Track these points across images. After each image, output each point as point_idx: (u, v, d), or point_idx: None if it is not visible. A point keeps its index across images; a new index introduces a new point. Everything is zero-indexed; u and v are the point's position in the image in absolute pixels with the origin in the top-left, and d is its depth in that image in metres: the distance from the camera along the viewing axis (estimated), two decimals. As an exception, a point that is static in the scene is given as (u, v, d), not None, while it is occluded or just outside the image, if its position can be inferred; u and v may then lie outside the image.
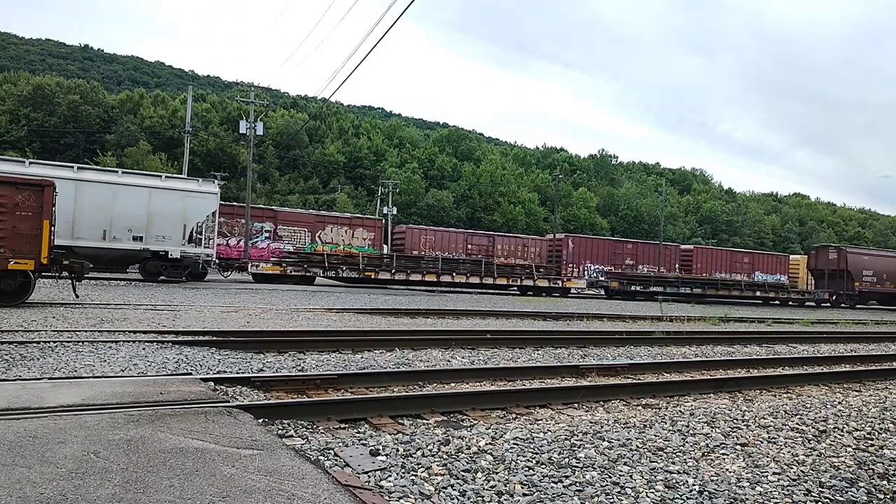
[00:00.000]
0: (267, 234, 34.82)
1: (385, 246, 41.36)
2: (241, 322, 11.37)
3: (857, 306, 38.91)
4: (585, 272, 41.29)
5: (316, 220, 37.14)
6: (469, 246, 40.46)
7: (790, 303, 38.32)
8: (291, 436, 4.33)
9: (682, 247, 50.57)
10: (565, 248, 43.37)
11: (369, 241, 37.38)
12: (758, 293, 37.23)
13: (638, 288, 33.48)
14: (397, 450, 3.93)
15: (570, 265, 41.75)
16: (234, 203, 38.78)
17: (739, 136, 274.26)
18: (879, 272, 38.84)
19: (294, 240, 35.10)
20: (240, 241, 33.26)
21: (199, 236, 23.52)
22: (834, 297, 38.53)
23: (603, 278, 36.20)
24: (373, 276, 28.08)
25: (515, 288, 31.81)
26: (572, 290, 33.59)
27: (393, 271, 28.59)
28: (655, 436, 4.57)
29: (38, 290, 13.39)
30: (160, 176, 25.12)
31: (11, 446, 3.40)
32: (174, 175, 29.26)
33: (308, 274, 27.03)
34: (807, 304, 38.62)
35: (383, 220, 41.66)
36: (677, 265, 46.33)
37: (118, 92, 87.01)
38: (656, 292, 33.15)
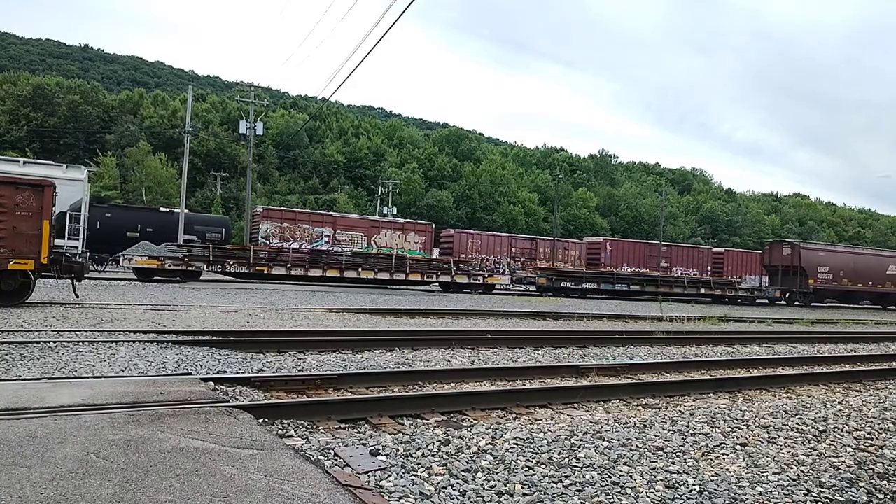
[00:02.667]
0: (327, 239, 35.83)
1: (435, 250, 42.01)
2: (241, 322, 11.37)
3: (813, 304, 37.32)
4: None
5: (371, 225, 38.32)
6: (513, 249, 41.66)
7: (738, 301, 36.17)
8: (291, 436, 4.32)
9: (714, 249, 50.95)
10: (603, 252, 44.40)
11: (420, 244, 38.48)
12: (702, 290, 35.49)
13: (569, 284, 31.90)
14: (397, 450, 3.93)
15: (608, 267, 42.23)
16: (296, 210, 39.77)
17: (740, 136, 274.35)
18: (836, 269, 37.21)
19: (351, 244, 36.10)
20: (301, 244, 33.87)
21: (75, 226, 22.07)
22: (787, 295, 37.21)
23: (530, 274, 34.47)
24: (265, 272, 25.76)
25: (437, 285, 30.01)
26: (497, 287, 31.53)
27: (289, 266, 26.14)
28: (655, 436, 4.57)
29: (38, 290, 13.39)
30: (18, 161, 23.88)
31: (11, 446, 3.40)
32: (36, 161, 28.12)
33: (190, 269, 24.47)
34: (758, 301, 37.03)
35: (433, 225, 42.30)
36: (709, 267, 46.62)
37: (118, 92, 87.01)
38: (588, 289, 32.01)
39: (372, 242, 36.89)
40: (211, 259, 24.85)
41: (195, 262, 24.49)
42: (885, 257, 41.15)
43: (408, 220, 44.27)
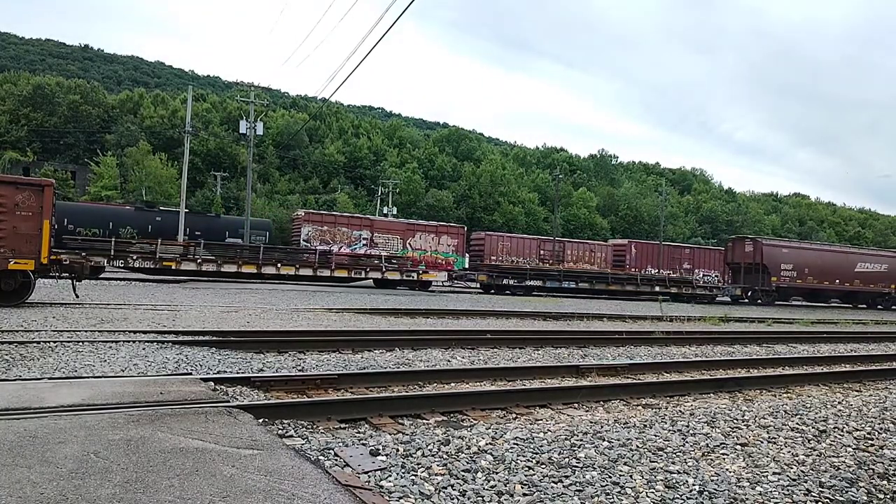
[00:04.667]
0: (364, 241, 36.56)
1: (466, 254, 42.36)
2: (241, 322, 11.37)
3: (777, 303, 35.77)
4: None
5: (406, 228, 38.99)
6: (541, 252, 42.14)
7: (697, 300, 34.38)
8: (291, 436, 4.32)
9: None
10: (628, 254, 44.74)
11: (453, 247, 39.21)
12: (657, 288, 33.58)
13: (512, 281, 30.47)
14: (397, 450, 3.93)
15: (633, 269, 42.33)
16: (336, 214, 40.74)
17: (740, 136, 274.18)
18: (801, 266, 35.90)
19: (388, 246, 36.76)
20: (341, 247, 34.56)
21: None
22: (749, 294, 35.73)
23: (470, 271, 33.14)
24: (173, 267, 24.22)
25: (370, 281, 28.80)
26: (433, 284, 30.31)
27: (199, 261, 24.60)
28: (655, 436, 4.57)
29: (38, 290, 13.39)
30: None
31: (11, 446, 3.40)
32: None
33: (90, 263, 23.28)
34: (718, 300, 35.54)
35: (465, 228, 42.89)
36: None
37: (118, 92, 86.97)
38: (533, 286, 30.75)
39: (407, 245, 37.64)
40: (112, 254, 23.23)
41: (94, 257, 21.87)
42: (854, 254, 39.70)
43: (441, 223, 44.92)
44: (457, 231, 40.74)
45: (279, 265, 26.31)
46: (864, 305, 39.67)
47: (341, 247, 34.62)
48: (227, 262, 25.38)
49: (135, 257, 23.87)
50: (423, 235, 38.53)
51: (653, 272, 42.27)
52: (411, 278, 29.02)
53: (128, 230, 32.16)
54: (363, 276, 28.25)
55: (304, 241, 34.75)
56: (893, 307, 39.53)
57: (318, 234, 35.44)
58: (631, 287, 33.23)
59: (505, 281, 30.39)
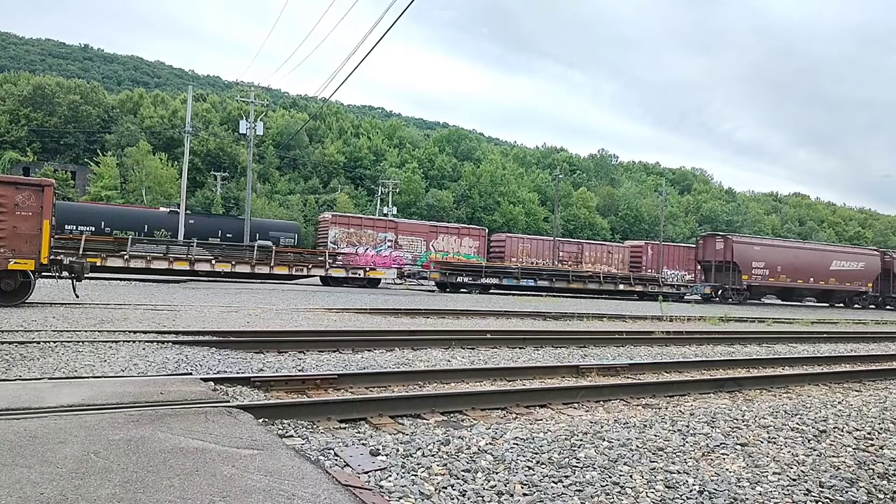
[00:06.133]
0: (389, 244, 37.26)
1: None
2: (241, 322, 11.37)
3: (749, 302, 35.10)
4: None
5: (430, 230, 39.82)
6: (560, 253, 42.80)
7: (665, 299, 33.19)
8: (291, 436, 4.33)
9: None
10: (645, 255, 45.27)
11: (474, 249, 40.00)
12: (620, 286, 32.83)
13: (465, 279, 29.49)
14: (397, 450, 3.93)
15: (650, 269, 42.58)
16: (362, 216, 41.64)
17: (740, 136, 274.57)
18: (773, 264, 35.22)
19: (412, 248, 37.71)
20: (367, 249, 35.30)
21: None
22: (720, 292, 34.99)
23: (421, 268, 32.51)
24: (98, 263, 22.95)
25: (317, 278, 27.96)
26: (382, 282, 29.56)
27: (126, 258, 24.10)
28: (655, 436, 4.57)
29: (38, 290, 13.39)
30: None
31: (11, 446, 3.40)
32: None
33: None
34: (687, 299, 34.54)
35: (486, 230, 43.56)
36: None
37: (118, 92, 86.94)
38: (490, 284, 29.90)
39: (430, 247, 38.48)
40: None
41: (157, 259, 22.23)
42: (829, 252, 39.03)
43: (463, 225, 45.88)
44: (478, 233, 41.52)
45: (212, 262, 25.31)
46: (841, 304, 38.88)
47: (367, 248, 35.35)
48: (156, 259, 24.52)
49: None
50: (446, 237, 39.37)
51: (668, 272, 42.52)
52: (357, 275, 28.28)
53: (162, 232, 32.52)
54: (305, 273, 27.33)
55: (331, 242, 35.30)
56: (871, 306, 38.81)
57: (346, 236, 36.08)
58: (594, 285, 32.29)
59: (459, 279, 29.51)
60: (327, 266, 27.63)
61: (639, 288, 33.58)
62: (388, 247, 36.86)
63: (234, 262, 25.71)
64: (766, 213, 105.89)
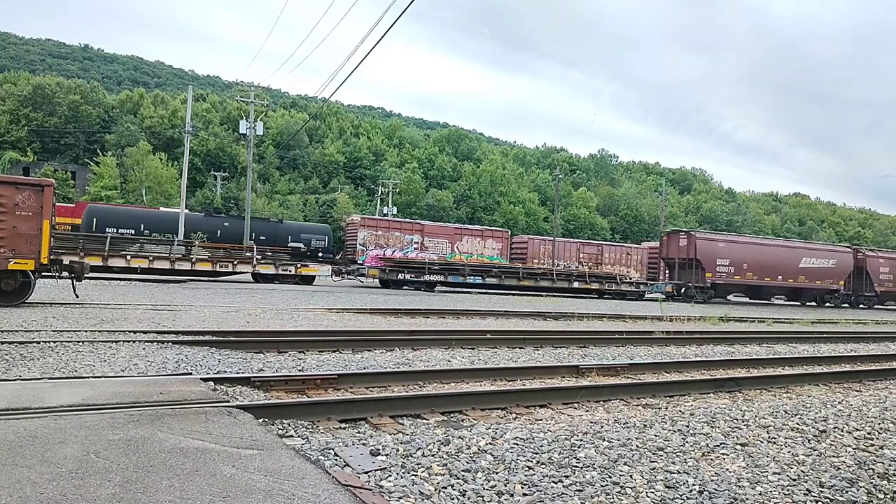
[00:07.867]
0: (416, 245, 37.62)
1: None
2: (241, 322, 11.37)
3: (714, 301, 33.75)
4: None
5: (454, 232, 40.43)
6: (581, 255, 43.13)
7: (624, 296, 32.65)
8: (291, 436, 4.32)
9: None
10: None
11: (497, 250, 40.45)
12: (575, 284, 31.81)
13: (408, 276, 28.36)
14: (397, 450, 3.93)
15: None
16: (389, 219, 42.51)
17: (740, 136, 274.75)
18: (739, 261, 34.17)
19: (438, 250, 38.06)
20: (394, 251, 35.55)
21: None
22: (683, 290, 33.94)
23: (361, 265, 31.38)
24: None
25: (248, 275, 27.08)
26: (318, 279, 28.84)
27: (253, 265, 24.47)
28: (655, 436, 4.57)
29: (38, 290, 13.39)
30: None
31: (11, 446, 3.40)
32: None
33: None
34: (647, 297, 33.69)
35: (509, 232, 44.27)
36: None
37: (118, 92, 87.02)
38: (435, 282, 28.87)
39: (455, 249, 38.98)
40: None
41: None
42: (798, 249, 37.97)
43: (486, 227, 46.34)
44: (501, 235, 42.19)
45: (128, 258, 24.32)
46: (813, 303, 38.07)
47: (394, 250, 35.82)
48: (67, 253, 22.09)
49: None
50: (470, 239, 39.95)
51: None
52: (288, 272, 27.51)
53: (199, 235, 32.62)
54: (230, 269, 26.36)
55: (360, 245, 35.63)
56: (844, 305, 38.07)
57: (374, 238, 36.42)
58: (546, 283, 31.45)
59: (401, 276, 28.42)
60: (255, 262, 26.89)
61: (595, 286, 32.87)
62: (415, 248, 37.41)
63: (151, 258, 24.87)
64: (766, 213, 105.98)
